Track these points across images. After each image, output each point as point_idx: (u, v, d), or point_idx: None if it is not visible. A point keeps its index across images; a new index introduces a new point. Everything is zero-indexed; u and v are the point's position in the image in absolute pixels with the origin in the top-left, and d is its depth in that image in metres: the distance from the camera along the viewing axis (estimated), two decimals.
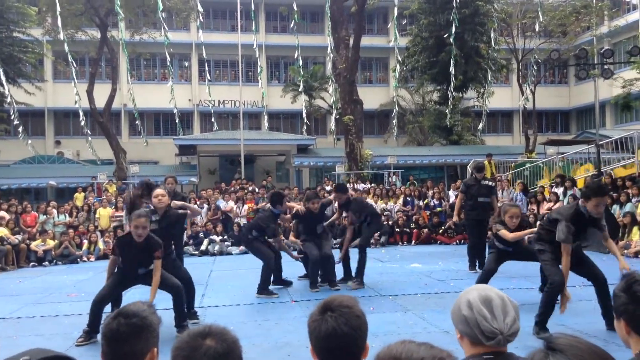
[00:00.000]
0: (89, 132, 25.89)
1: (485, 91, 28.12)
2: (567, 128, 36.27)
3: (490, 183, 10.20)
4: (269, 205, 8.75)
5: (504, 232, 6.75)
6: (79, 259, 14.14)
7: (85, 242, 14.91)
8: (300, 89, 29.13)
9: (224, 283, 9.41)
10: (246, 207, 16.70)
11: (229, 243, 15.32)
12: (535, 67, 29.75)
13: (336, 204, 9.08)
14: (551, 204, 15.05)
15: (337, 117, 25.47)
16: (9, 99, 24.25)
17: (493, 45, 27.08)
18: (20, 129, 24.76)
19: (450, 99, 26.49)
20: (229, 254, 14.74)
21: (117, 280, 6.12)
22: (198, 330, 1.66)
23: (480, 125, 29.26)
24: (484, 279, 6.59)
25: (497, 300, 1.81)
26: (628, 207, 13.05)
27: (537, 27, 26.53)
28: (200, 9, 25.37)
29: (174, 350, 1.63)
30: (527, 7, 28.23)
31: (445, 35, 25.74)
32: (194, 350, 1.61)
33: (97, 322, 5.79)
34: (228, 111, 32.45)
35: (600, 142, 17.50)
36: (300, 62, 27.76)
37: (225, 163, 28.65)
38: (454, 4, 24.95)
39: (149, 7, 25.72)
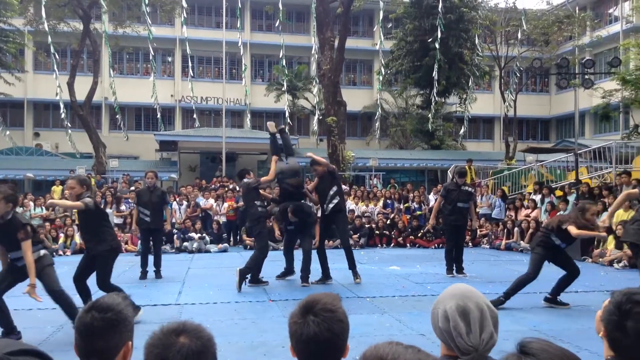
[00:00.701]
0: (69, 124, 25.58)
1: (467, 97, 28.36)
2: (547, 136, 36.71)
3: (470, 189, 10.28)
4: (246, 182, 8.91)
5: (571, 227, 6.80)
6: (54, 253, 13.95)
7: (62, 235, 14.73)
8: (284, 89, 29.10)
9: (202, 281, 9.35)
10: (226, 205, 16.62)
11: (208, 240, 15.25)
12: (517, 75, 30.08)
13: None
14: (529, 210, 15.22)
15: (320, 117, 25.50)
16: None
17: (476, 51, 27.31)
18: None
19: (433, 103, 26.66)
20: (207, 251, 14.66)
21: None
22: (172, 327, 1.62)
23: (462, 131, 29.52)
24: (522, 285, 7.00)
25: (475, 312, 1.75)
26: (604, 216, 13.22)
27: (519, 35, 26.84)
28: (184, 4, 25.25)
29: (147, 347, 1.61)
30: (511, 15, 28.54)
31: (429, 40, 25.89)
32: (168, 348, 1.58)
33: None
34: (210, 108, 32.30)
35: (579, 151, 17.74)
36: (285, 62, 27.73)
37: (206, 160, 28.50)
38: (439, 10, 25.12)
39: (133, 1, 25.51)
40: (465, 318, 1.74)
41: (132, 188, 18.05)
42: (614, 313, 1.68)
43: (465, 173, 10.36)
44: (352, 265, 8.88)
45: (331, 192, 8.78)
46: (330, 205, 8.76)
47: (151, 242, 10.12)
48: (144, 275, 9.73)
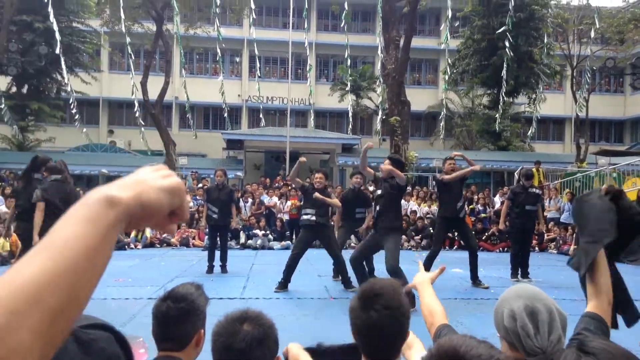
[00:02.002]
0: (142, 122, 26.57)
1: (537, 97, 27.59)
2: (620, 138, 35.21)
3: (537, 191, 10.06)
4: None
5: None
6: (126, 246, 14.57)
7: (134, 230, 15.36)
8: (348, 88, 29.19)
9: (265, 276, 9.57)
10: (289, 203, 16.85)
11: (271, 238, 15.54)
12: (589, 75, 29.01)
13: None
14: None
15: (384, 117, 25.41)
16: (68, 88, 25.12)
17: (547, 50, 26.52)
18: (76, 117, 25.64)
19: (501, 103, 26.10)
20: (271, 248, 14.95)
21: None
22: (236, 315, 1.74)
23: (530, 132, 28.71)
24: None
25: (544, 313, 1.70)
26: None
27: (592, 34, 25.88)
28: (252, 5, 25.71)
29: (213, 335, 1.73)
30: (584, 13, 27.54)
31: (498, 38, 25.35)
32: (233, 336, 1.70)
33: None
34: (276, 108, 32.79)
35: None
36: (349, 62, 27.81)
37: (270, 159, 28.96)
38: (509, 7, 24.56)
39: (203, 2, 26.23)
40: (533, 319, 1.69)
41: (200, 185, 18.60)
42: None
43: (532, 175, 10.15)
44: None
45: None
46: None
47: (218, 238, 10.41)
48: (210, 269, 10.04)
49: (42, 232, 6.76)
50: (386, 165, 7.23)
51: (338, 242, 8.76)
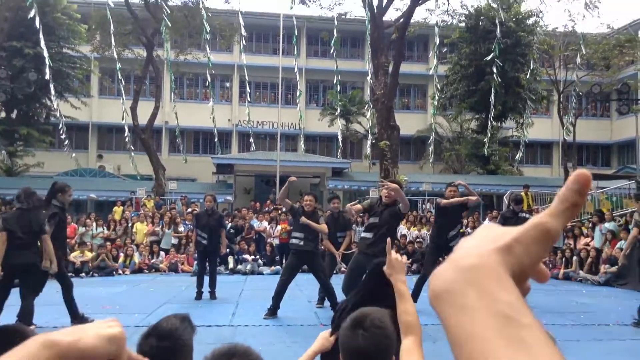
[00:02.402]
0: (132, 147, 26.52)
1: (524, 121, 27.88)
2: (607, 162, 35.57)
3: (527, 216, 10.11)
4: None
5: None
6: (114, 272, 14.44)
7: (122, 255, 15.24)
8: (337, 113, 29.37)
9: (255, 303, 9.49)
10: (279, 227, 16.82)
11: (261, 263, 15.46)
12: (576, 100, 29.39)
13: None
14: (589, 239, 14.79)
15: (373, 141, 25.55)
16: (57, 114, 25.10)
17: (533, 76, 26.89)
18: (65, 142, 25.57)
19: (489, 128, 26.33)
20: (260, 273, 14.86)
21: None
22: (223, 350, 1.71)
23: (518, 156, 28.95)
24: None
25: None
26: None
27: (578, 60, 26.28)
28: (243, 32, 25.94)
29: None
30: (570, 39, 28.01)
31: (486, 62, 25.69)
32: None
33: None
34: (266, 132, 32.89)
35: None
36: (339, 87, 28.03)
37: (260, 183, 28.94)
38: (496, 34, 24.94)
39: (194, 29, 26.43)
40: None
41: (189, 210, 18.53)
42: None
43: (522, 200, 10.20)
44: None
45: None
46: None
47: (207, 264, 10.34)
48: (199, 295, 9.95)
49: (4, 262, 6.88)
50: (395, 190, 7.12)
51: (326, 269, 8.74)
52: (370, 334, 1.84)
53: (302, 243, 8.22)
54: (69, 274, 13.76)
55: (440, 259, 13.19)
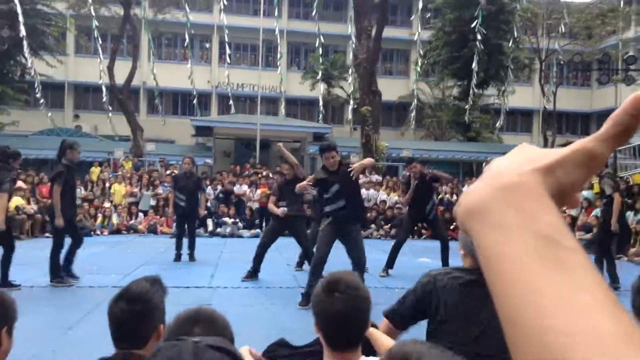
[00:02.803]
0: (109, 107, 26.05)
1: (505, 89, 27.93)
2: (587, 131, 35.86)
3: None
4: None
5: None
6: (92, 232, 14.31)
7: (100, 216, 15.09)
8: (319, 77, 29.08)
9: (234, 265, 9.48)
10: (259, 191, 16.76)
11: (241, 226, 15.44)
12: (557, 68, 29.46)
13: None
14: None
15: (355, 107, 25.43)
16: (32, 72, 24.46)
17: (516, 43, 26.84)
18: (41, 101, 25.01)
19: (471, 95, 26.34)
20: (240, 236, 14.85)
21: None
22: (187, 315, 1.62)
23: (499, 123, 29.07)
24: None
25: None
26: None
27: (562, 29, 26.25)
28: None
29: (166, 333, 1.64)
30: (554, 8, 27.92)
31: (469, 29, 25.55)
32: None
33: None
34: (246, 95, 32.49)
35: (618, 148, 17.33)
36: (321, 50, 27.69)
37: (240, 146, 28.72)
38: (479, 0, 24.74)
39: None
40: None
41: (168, 172, 18.36)
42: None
43: None
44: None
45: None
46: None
47: (186, 226, 10.28)
48: (178, 257, 9.91)
49: None
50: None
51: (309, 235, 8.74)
52: (346, 297, 1.80)
53: (285, 209, 8.20)
54: (47, 234, 13.61)
55: (415, 227, 13.32)
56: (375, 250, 9.93)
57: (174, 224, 12.79)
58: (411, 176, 9.20)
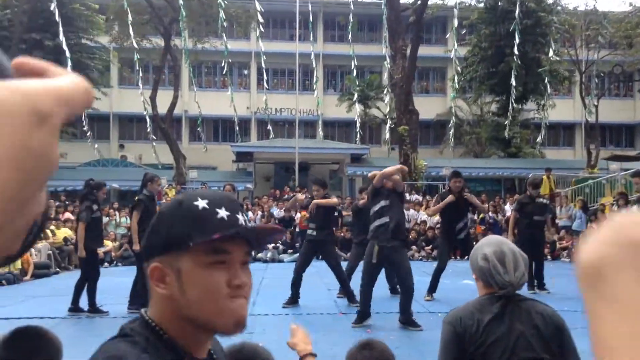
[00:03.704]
0: (153, 137, 26.73)
1: (545, 103, 27.50)
2: (631, 143, 34.93)
3: (545, 201, 9.96)
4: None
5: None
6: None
7: None
8: (355, 98, 29.23)
9: (275, 291, 9.55)
10: (299, 215, 16.87)
11: (282, 250, 15.56)
12: (598, 80, 28.88)
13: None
14: None
15: (392, 126, 25.43)
16: None
17: (554, 56, 26.47)
18: (87, 133, 25.88)
19: (510, 110, 26.03)
20: (281, 261, 14.96)
21: None
22: (230, 351, 1.69)
23: (540, 138, 28.59)
24: None
25: (509, 255, 2.11)
26: None
27: (600, 39, 25.80)
28: (260, 18, 25.88)
29: None
30: (592, 18, 27.47)
31: (505, 43, 25.36)
32: None
33: None
34: (284, 119, 32.88)
35: None
36: (356, 72, 27.87)
37: (280, 170, 29.00)
38: (515, 15, 24.55)
39: (211, 17, 26.47)
40: (501, 260, 2.10)
41: None
42: None
43: (539, 184, 10.06)
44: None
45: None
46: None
47: None
48: None
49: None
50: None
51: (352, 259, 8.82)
52: (374, 351, 2.15)
53: (314, 233, 8.26)
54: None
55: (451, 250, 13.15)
56: (419, 273, 9.83)
57: None
58: (450, 189, 8.78)
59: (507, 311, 2.09)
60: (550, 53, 25.96)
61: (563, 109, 31.60)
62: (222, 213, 1.04)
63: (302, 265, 8.39)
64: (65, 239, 13.95)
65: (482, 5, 28.39)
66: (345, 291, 8.36)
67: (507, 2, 26.43)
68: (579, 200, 16.74)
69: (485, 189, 25.41)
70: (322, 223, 8.29)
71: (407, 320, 6.84)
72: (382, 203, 6.91)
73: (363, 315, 6.96)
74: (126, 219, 16.76)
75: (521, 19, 24.82)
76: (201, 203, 1.04)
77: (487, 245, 2.19)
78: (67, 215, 15.41)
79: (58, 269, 12.99)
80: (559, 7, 27.28)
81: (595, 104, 27.77)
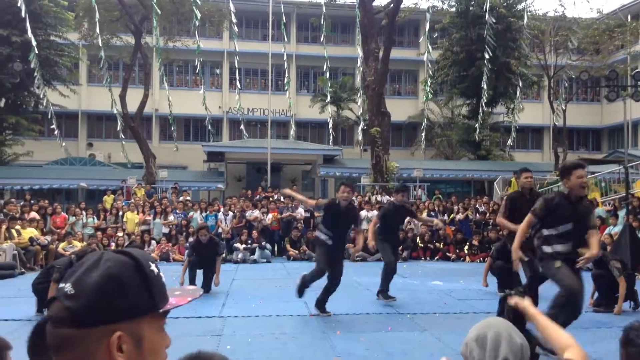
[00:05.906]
0: (122, 135, 26.35)
1: (515, 107, 27.92)
2: (598, 146, 35.71)
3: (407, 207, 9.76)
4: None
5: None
6: None
7: (113, 244, 15.18)
8: (328, 100, 29.28)
9: (245, 293, 9.49)
10: (270, 216, 16.82)
11: (253, 250, 15.48)
12: (566, 84, 29.43)
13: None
14: None
15: (364, 128, 25.54)
16: (45, 101, 24.87)
17: (524, 61, 26.91)
18: (55, 132, 25.38)
19: (480, 113, 26.37)
20: (255, 262, 14.89)
21: None
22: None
23: (509, 141, 29.02)
24: None
25: (491, 340, 1.97)
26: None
27: (569, 45, 26.29)
28: (233, 18, 25.72)
29: None
30: (561, 24, 27.99)
31: (476, 48, 25.67)
32: None
33: None
34: (257, 119, 32.75)
35: (630, 164, 17.22)
36: (329, 73, 27.91)
37: (252, 170, 28.88)
38: (487, 20, 24.87)
39: (183, 15, 26.22)
40: (480, 344, 1.96)
41: (181, 199, 18.54)
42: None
43: (400, 190, 9.58)
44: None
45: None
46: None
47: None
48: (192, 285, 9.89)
49: None
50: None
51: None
52: None
53: (330, 242, 7.58)
54: None
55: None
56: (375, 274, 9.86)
57: (186, 252, 12.69)
58: (522, 188, 7.74)
59: None
60: (518, 58, 26.34)
61: (532, 113, 32.15)
62: (161, 273, 1.07)
63: (324, 267, 7.72)
64: (31, 239, 13.65)
65: (453, 9, 28.70)
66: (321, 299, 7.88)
67: (478, 7, 26.78)
68: None
69: (456, 190, 25.71)
70: (341, 230, 7.87)
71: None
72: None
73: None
74: (93, 219, 16.50)
75: (492, 24, 25.14)
76: (154, 269, 1.06)
77: (475, 329, 2.10)
78: (33, 214, 15.08)
79: (23, 270, 12.69)
80: (528, 13, 27.71)
81: (563, 108, 28.30)
